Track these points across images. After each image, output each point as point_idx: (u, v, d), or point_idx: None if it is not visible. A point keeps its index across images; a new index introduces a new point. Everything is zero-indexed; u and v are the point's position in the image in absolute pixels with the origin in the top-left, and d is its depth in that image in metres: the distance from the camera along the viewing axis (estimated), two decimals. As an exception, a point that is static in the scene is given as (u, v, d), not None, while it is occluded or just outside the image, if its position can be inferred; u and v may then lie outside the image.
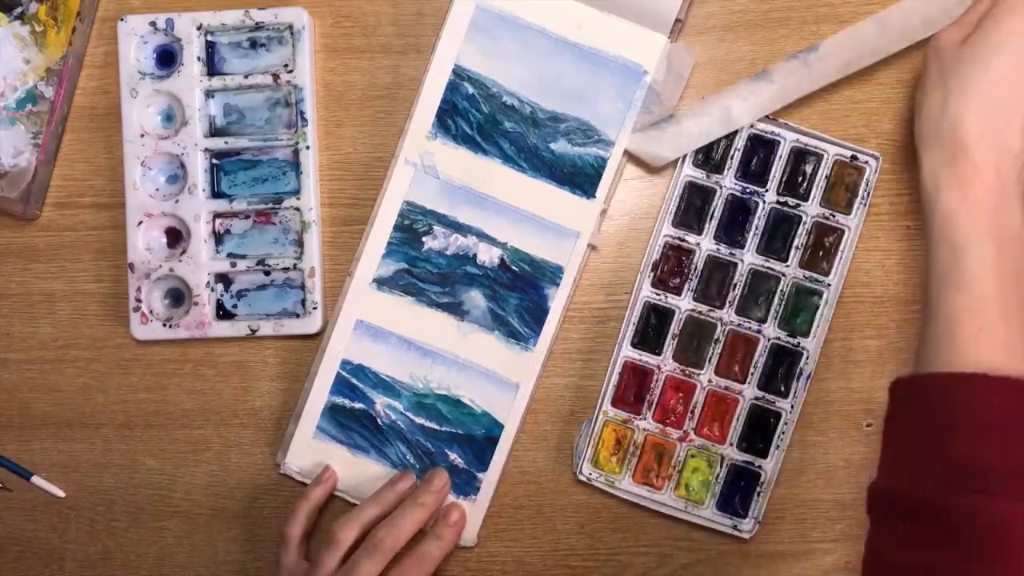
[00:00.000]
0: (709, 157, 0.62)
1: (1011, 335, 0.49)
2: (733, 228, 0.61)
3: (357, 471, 0.62)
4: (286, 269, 0.63)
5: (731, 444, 0.61)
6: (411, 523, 0.58)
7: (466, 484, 0.62)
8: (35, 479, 0.65)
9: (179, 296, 0.64)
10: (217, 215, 0.63)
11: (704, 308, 0.61)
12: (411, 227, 0.63)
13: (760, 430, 0.61)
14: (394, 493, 0.60)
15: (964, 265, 0.50)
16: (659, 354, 0.61)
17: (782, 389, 0.61)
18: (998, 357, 0.49)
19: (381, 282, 0.63)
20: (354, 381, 0.62)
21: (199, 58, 0.63)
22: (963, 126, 0.52)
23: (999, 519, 0.46)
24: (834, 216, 0.61)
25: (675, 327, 0.61)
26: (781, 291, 0.61)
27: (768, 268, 0.61)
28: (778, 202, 0.61)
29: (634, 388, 0.62)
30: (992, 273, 0.50)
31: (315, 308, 0.62)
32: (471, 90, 0.62)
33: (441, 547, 0.59)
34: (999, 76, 0.52)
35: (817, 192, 0.61)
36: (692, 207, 0.62)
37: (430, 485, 0.60)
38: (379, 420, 0.62)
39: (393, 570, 0.57)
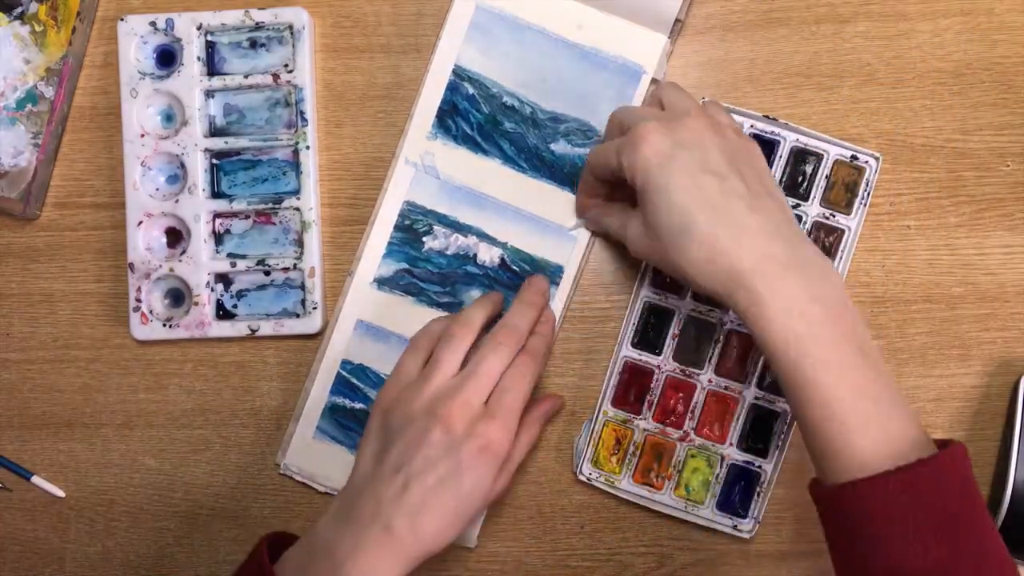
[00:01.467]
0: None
1: (873, 421, 0.48)
2: (733, 228, 0.61)
3: (357, 471, 0.62)
4: (286, 269, 0.63)
5: (731, 444, 0.61)
6: (526, 321, 0.58)
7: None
8: (35, 479, 0.65)
9: (179, 296, 0.64)
10: (217, 215, 0.63)
11: (704, 308, 0.61)
12: (411, 227, 0.63)
13: (760, 430, 0.61)
14: (490, 302, 0.60)
15: (805, 379, 0.48)
16: (659, 354, 0.61)
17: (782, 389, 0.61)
18: (877, 451, 0.47)
19: (382, 282, 0.63)
20: (354, 381, 0.62)
21: (199, 58, 0.63)
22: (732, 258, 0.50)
23: None
24: (834, 216, 0.61)
25: (675, 327, 0.61)
26: (781, 291, 0.61)
27: (768, 268, 0.61)
28: (778, 202, 0.61)
29: (634, 388, 0.62)
30: (835, 374, 0.48)
31: (315, 308, 0.62)
32: (471, 90, 0.62)
33: (544, 341, 0.58)
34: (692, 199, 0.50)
35: (817, 192, 0.61)
36: (692, 207, 0.61)
37: (531, 287, 0.60)
38: (379, 420, 0.62)
39: (508, 367, 0.56)
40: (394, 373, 0.57)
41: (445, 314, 0.62)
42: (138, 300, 0.63)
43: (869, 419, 0.48)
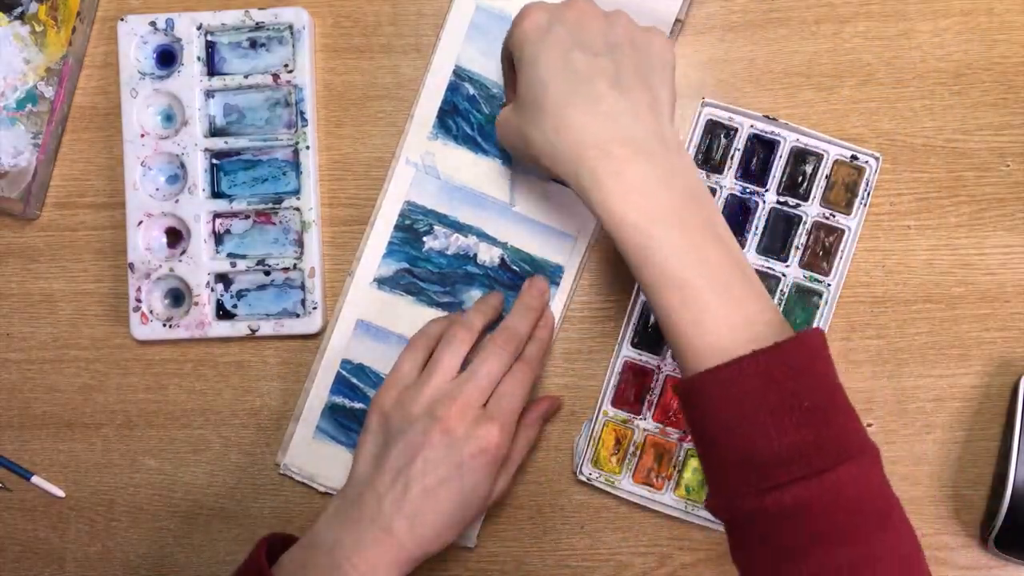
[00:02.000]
0: (709, 157, 0.62)
1: (729, 310, 0.46)
2: (733, 228, 0.61)
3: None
4: (286, 269, 0.63)
5: (731, 444, 0.61)
6: (526, 324, 0.58)
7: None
8: (35, 479, 0.65)
9: (179, 296, 0.64)
10: (217, 215, 0.63)
11: (704, 308, 0.61)
12: (412, 227, 0.63)
13: (760, 430, 0.61)
14: (490, 306, 0.60)
15: (654, 265, 0.47)
16: (659, 354, 0.61)
17: (782, 389, 0.61)
18: (723, 339, 0.46)
19: (382, 282, 0.63)
20: (354, 381, 0.62)
21: (199, 58, 0.63)
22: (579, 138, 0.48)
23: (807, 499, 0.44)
24: (834, 216, 0.61)
25: (675, 327, 0.61)
26: (781, 291, 0.61)
27: (768, 268, 0.61)
28: (778, 202, 0.61)
29: (634, 388, 0.62)
30: (685, 260, 0.46)
31: (315, 308, 0.62)
32: (472, 91, 0.62)
33: (542, 345, 0.59)
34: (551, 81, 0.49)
35: (817, 192, 0.61)
36: (692, 207, 0.61)
37: (532, 290, 0.60)
38: (379, 420, 0.62)
39: (508, 372, 0.57)
40: (392, 373, 0.58)
41: (444, 314, 0.62)
42: (138, 300, 0.63)
43: (724, 305, 0.46)
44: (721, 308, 0.46)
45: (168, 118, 0.64)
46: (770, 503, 0.44)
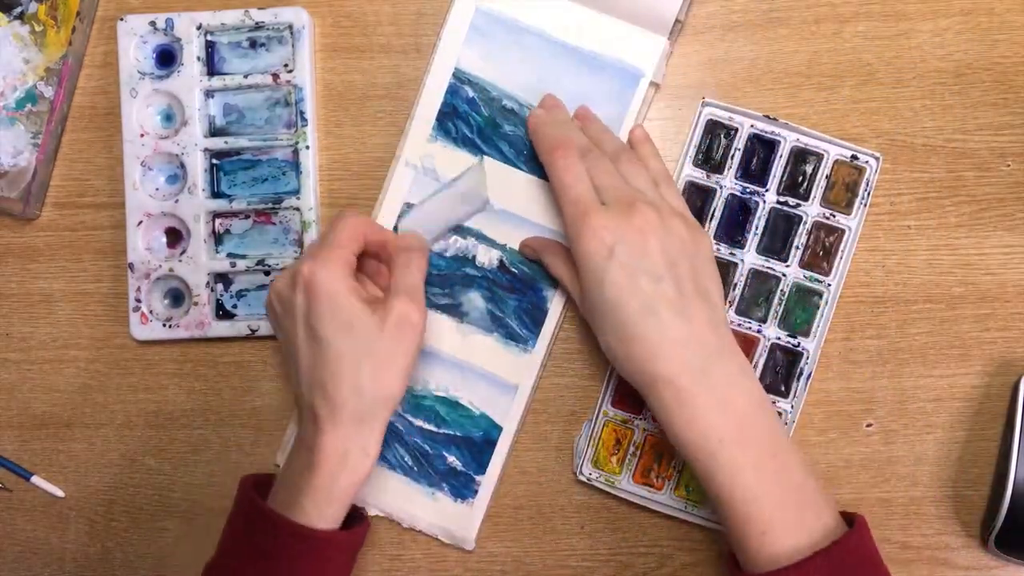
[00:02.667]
0: (709, 157, 0.62)
1: (789, 520, 0.51)
2: (733, 228, 0.61)
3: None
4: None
5: (731, 444, 0.61)
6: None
7: (464, 487, 0.62)
8: (35, 479, 0.65)
9: (179, 296, 0.64)
10: (217, 215, 0.63)
11: (704, 308, 0.61)
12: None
13: (760, 430, 0.61)
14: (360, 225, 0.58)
15: (717, 484, 0.51)
16: (659, 354, 0.61)
17: (782, 389, 0.61)
18: (786, 547, 0.50)
19: (381, 282, 0.62)
20: (354, 381, 0.62)
21: (199, 58, 0.63)
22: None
23: None
24: (834, 216, 0.61)
25: (675, 327, 0.61)
26: (781, 291, 0.61)
27: (768, 268, 0.61)
28: (778, 202, 0.61)
29: (634, 388, 0.61)
30: (745, 480, 0.51)
31: (315, 308, 0.62)
32: (471, 93, 0.62)
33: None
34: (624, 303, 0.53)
35: (817, 192, 0.61)
36: (692, 207, 0.61)
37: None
38: (379, 420, 0.62)
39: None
40: None
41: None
42: (138, 300, 0.63)
43: (784, 519, 0.51)
44: (783, 520, 0.51)
45: (168, 118, 0.64)
46: None
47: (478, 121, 0.62)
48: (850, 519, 0.52)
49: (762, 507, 0.50)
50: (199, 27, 0.63)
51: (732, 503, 0.51)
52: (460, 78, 0.62)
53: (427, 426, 0.62)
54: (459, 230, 0.62)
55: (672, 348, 0.52)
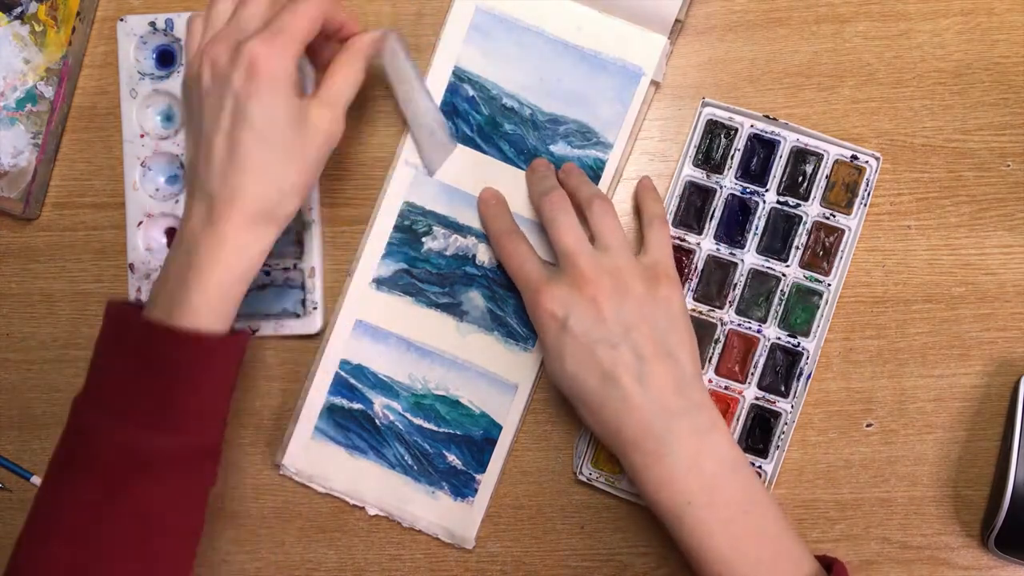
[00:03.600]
0: (709, 157, 0.62)
1: (765, 570, 0.51)
2: (733, 228, 0.61)
3: (355, 472, 0.62)
4: (286, 269, 0.63)
5: (731, 444, 0.61)
6: None
7: (464, 486, 0.62)
8: (35, 479, 0.65)
9: (179, 296, 0.64)
10: (217, 215, 0.63)
11: (704, 308, 0.61)
12: (411, 228, 0.63)
13: (760, 430, 0.61)
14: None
15: (690, 542, 0.52)
16: (659, 354, 0.61)
17: (782, 389, 0.61)
18: None
19: (380, 282, 0.63)
20: (353, 381, 0.62)
21: (199, 58, 0.63)
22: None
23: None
24: (834, 216, 0.61)
25: (675, 327, 0.61)
26: (781, 291, 0.61)
27: (768, 268, 0.61)
28: (778, 202, 0.61)
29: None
30: (717, 539, 0.51)
31: (315, 308, 0.62)
32: (471, 92, 0.62)
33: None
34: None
35: (817, 192, 0.61)
36: (692, 207, 0.62)
37: None
38: (377, 421, 0.62)
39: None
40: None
41: None
42: (139, 300, 0.63)
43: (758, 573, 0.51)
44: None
45: (168, 118, 0.64)
46: None
47: (478, 120, 0.62)
48: (828, 564, 0.53)
49: (733, 568, 0.51)
50: (199, 27, 0.63)
51: (703, 564, 0.51)
52: (460, 77, 0.62)
53: (427, 425, 0.62)
54: (459, 229, 0.62)
55: (635, 414, 0.52)
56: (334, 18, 0.54)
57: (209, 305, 0.50)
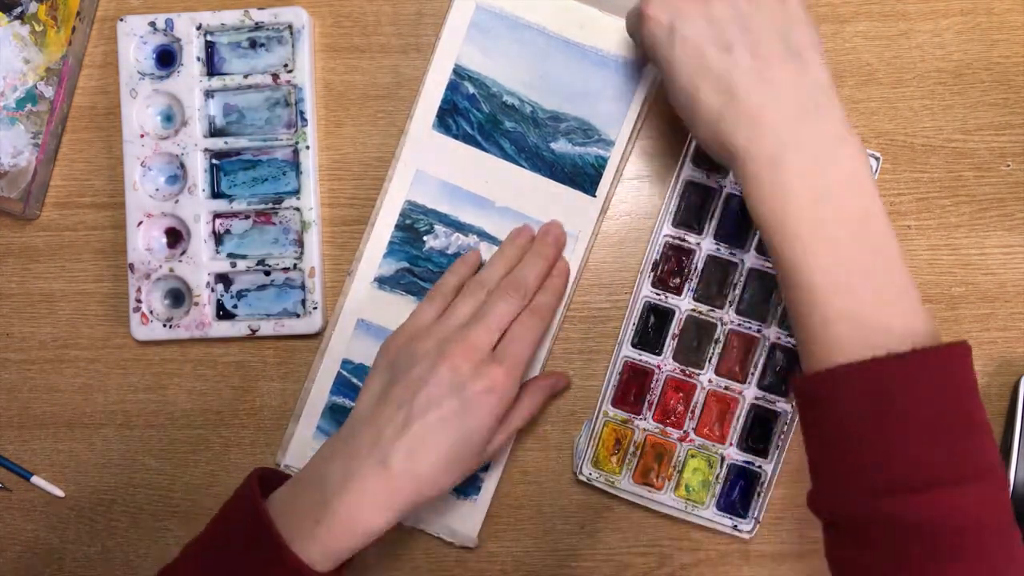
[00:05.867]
0: (709, 156, 0.61)
1: (867, 310, 0.45)
2: (733, 228, 0.61)
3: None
4: (286, 269, 0.63)
5: (731, 444, 0.61)
6: (535, 272, 0.58)
7: (467, 484, 0.62)
8: (35, 479, 0.65)
9: (179, 296, 0.64)
10: (217, 215, 0.63)
11: (704, 308, 0.61)
12: (412, 226, 0.63)
13: (760, 430, 0.61)
14: (515, 248, 0.60)
15: (789, 262, 0.47)
16: (659, 354, 0.61)
17: (782, 389, 0.61)
18: (856, 342, 0.45)
19: (382, 281, 0.63)
20: (355, 381, 0.62)
21: (199, 58, 0.63)
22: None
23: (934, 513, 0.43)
24: (834, 216, 0.61)
25: (675, 327, 0.61)
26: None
27: (768, 268, 0.61)
28: (778, 202, 0.61)
29: (634, 388, 0.61)
30: (820, 261, 0.46)
31: (315, 308, 0.62)
32: (472, 89, 0.62)
33: (554, 295, 0.59)
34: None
35: (817, 192, 0.61)
36: (692, 206, 0.62)
37: (547, 237, 0.60)
38: (379, 420, 0.62)
39: (516, 319, 0.56)
40: (408, 320, 0.58)
41: (460, 260, 0.62)
42: (138, 300, 0.63)
43: (852, 310, 0.45)
44: (856, 313, 0.45)
45: (168, 118, 0.64)
46: (890, 509, 0.44)
47: (479, 118, 0.62)
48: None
49: (826, 296, 0.46)
50: (199, 27, 0.63)
51: (797, 287, 0.46)
52: (460, 74, 0.62)
53: (428, 424, 0.62)
54: (461, 227, 0.62)
55: (750, 119, 0.47)
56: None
57: (324, 555, 0.50)
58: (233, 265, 0.63)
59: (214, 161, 0.63)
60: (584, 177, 0.62)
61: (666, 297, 0.61)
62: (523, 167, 0.62)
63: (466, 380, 0.53)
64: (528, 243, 0.61)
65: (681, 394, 0.61)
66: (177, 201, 0.63)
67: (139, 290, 0.63)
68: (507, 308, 0.56)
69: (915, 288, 0.47)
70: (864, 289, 0.46)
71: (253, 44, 0.63)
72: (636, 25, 0.52)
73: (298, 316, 0.63)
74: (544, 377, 0.61)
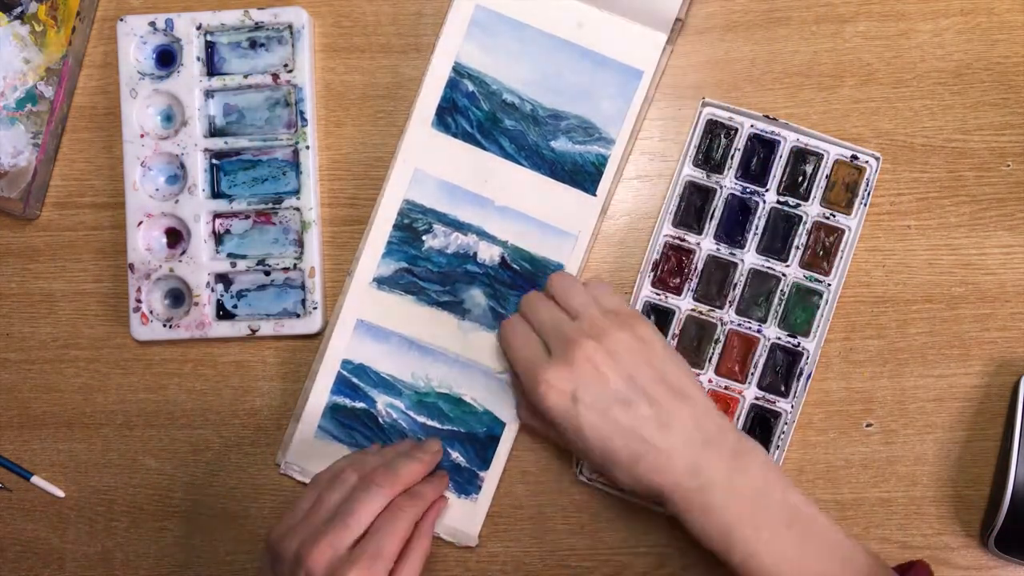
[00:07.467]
0: (709, 157, 0.62)
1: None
2: (733, 228, 0.61)
3: (357, 471, 0.62)
4: (286, 269, 0.63)
5: (731, 444, 0.61)
6: (407, 471, 0.57)
7: (468, 483, 0.62)
8: (35, 479, 0.65)
9: (179, 296, 0.64)
10: (217, 215, 0.63)
11: (704, 308, 0.61)
12: (411, 226, 0.63)
13: (760, 430, 0.61)
14: (393, 449, 0.60)
15: (740, 568, 0.52)
16: (659, 354, 0.61)
17: (782, 389, 0.61)
18: None
19: (382, 281, 0.63)
20: (355, 381, 0.62)
21: (199, 58, 0.63)
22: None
23: None
24: (834, 216, 0.61)
25: (675, 327, 0.61)
26: (781, 291, 0.61)
27: (768, 268, 0.61)
28: (778, 202, 0.61)
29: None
30: (765, 561, 0.52)
31: (315, 308, 0.62)
32: (471, 87, 0.62)
33: (432, 489, 0.59)
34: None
35: (817, 192, 0.61)
36: (692, 207, 0.62)
37: (426, 446, 0.60)
38: (380, 419, 0.62)
39: (384, 510, 0.56)
40: (289, 511, 0.57)
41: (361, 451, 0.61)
42: (138, 300, 0.63)
43: None
44: None
45: (168, 118, 0.64)
46: None
47: (478, 116, 0.62)
48: (907, 568, 0.54)
49: None
50: (199, 27, 0.63)
51: None
52: (460, 72, 0.62)
53: (430, 423, 0.62)
54: (460, 227, 0.62)
55: (667, 459, 0.53)
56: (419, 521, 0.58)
57: None
58: (233, 265, 0.63)
59: (214, 161, 0.63)
60: (584, 176, 0.62)
61: (666, 297, 0.61)
62: (523, 166, 0.62)
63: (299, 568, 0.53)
64: (407, 448, 0.60)
65: (681, 394, 0.61)
66: (177, 201, 0.63)
67: (139, 290, 0.63)
68: (371, 503, 0.55)
69: (856, 544, 0.53)
70: (817, 570, 0.52)
71: (253, 44, 0.64)
72: (535, 393, 0.55)
73: (298, 316, 0.63)
74: (425, 517, 0.58)
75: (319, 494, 0.56)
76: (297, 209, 0.63)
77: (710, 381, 0.61)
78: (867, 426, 0.62)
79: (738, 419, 0.61)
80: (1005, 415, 0.61)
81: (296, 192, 0.63)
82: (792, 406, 0.61)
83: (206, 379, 0.64)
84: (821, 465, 0.62)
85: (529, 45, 0.62)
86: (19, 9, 0.63)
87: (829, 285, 0.61)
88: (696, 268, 0.61)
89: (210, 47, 0.63)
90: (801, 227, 0.61)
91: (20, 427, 0.65)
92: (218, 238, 0.64)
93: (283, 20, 0.62)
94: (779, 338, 0.61)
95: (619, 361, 0.54)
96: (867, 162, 0.61)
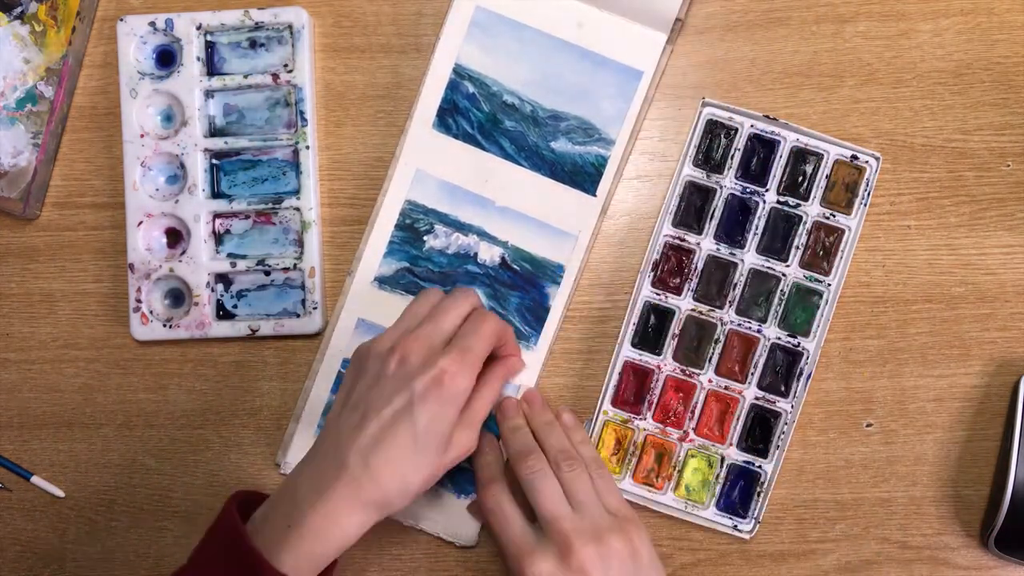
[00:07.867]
0: (709, 157, 0.62)
1: None
2: (733, 228, 0.61)
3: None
4: (286, 269, 0.63)
5: (731, 444, 0.61)
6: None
7: (468, 483, 0.62)
8: (35, 479, 0.65)
9: (179, 296, 0.64)
10: (217, 215, 0.63)
11: (704, 308, 0.61)
12: (412, 226, 0.63)
13: (760, 430, 0.61)
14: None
15: None
16: (659, 354, 0.61)
17: (782, 389, 0.61)
18: None
19: (382, 281, 0.63)
20: (354, 381, 0.62)
21: (199, 58, 0.63)
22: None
23: None
24: (834, 216, 0.61)
25: (675, 327, 0.61)
26: (781, 291, 0.61)
27: (768, 268, 0.61)
28: (778, 202, 0.61)
29: (634, 388, 0.62)
30: None
31: (315, 308, 0.62)
32: (472, 89, 0.62)
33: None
34: None
35: (817, 192, 0.61)
36: (692, 207, 0.62)
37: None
38: (379, 420, 0.62)
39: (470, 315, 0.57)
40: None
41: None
42: (138, 300, 0.63)
43: None
44: None
45: (168, 118, 0.64)
46: None
47: (479, 117, 0.62)
48: None
49: None
50: (199, 27, 0.63)
51: None
52: (460, 73, 0.62)
53: (428, 424, 0.62)
54: (461, 227, 0.62)
55: None
56: (505, 341, 0.59)
57: (298, 566, 0.51)
58: (233, 265, 0.63)
59: (214, 161, 0.63)
60: (584, 176, 0.62)
61: (666, 297, 0.61)
62: (523, 166, 0.62)
63: (414, 372, 0.53)
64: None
65: (681, 394, 0.61)
66: (177, 201, 0.63)
67: (139, 290, 0.63)
68: (461, 307, 0.56)
69: None
70: None
71: (253, 44, 0.64)
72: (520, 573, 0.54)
73: (298, 316, 0.63)
74: (500, 362, 0.60)
75: (406, 309, 0.57)
76: (297, 209, 0.63)
77: (710, 381, 0.61)
78: (867, 426, 0.62)
79: (738, 419, 0.61)
80: (1005, 415, 0.61)
81: (296, 192, 0.63)
82: (792, 406, 0.61)
83: (206, 379, 0.64)
84: (821, 465, 0.62)
85: (529, 45, 0.62)
86: (19, 9, 0.63)
87: (829, 285, 0.61)
88: (696, 268, 0.61)
89: (210, 47, 0.63)
90: (801, 227, 0.61)
91: (20, 427, 0.65)
92: (218, 238, 0.64)
93: (283, 20, 0.62)
94: (779, 338, 0.61)
95: (608, 571, 0.53)
96: (867, 162, 0.61)
